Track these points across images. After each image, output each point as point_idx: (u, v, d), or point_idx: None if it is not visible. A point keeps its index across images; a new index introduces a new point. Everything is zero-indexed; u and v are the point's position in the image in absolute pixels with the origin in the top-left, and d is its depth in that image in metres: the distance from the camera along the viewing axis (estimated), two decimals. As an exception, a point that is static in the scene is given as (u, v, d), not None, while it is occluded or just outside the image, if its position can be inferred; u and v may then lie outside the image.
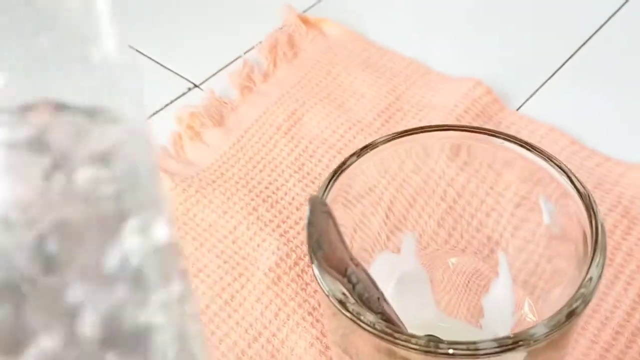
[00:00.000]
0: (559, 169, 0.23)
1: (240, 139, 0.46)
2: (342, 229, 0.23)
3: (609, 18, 0.54)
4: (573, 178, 0.22)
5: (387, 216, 0.27)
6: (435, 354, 0.19)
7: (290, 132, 0.46)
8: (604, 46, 0.52)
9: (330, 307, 0.20)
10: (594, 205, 0.22)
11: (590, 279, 0.20)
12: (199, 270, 0.39)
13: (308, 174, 0.43)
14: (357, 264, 0.21)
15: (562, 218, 0.23)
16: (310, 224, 0.19)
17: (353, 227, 0.26)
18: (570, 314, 0.19)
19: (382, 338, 0.19)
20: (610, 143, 0.45)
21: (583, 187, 0.22)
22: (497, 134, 0.24)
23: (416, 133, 0.25)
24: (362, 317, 0.20)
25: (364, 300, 0.21)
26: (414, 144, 0.25)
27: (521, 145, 0.23)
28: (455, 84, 0.48)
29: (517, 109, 0.48)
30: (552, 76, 0.50)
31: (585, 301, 0.20)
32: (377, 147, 0.24)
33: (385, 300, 0.21)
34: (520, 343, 0.19)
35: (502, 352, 0.19)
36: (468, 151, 0.25)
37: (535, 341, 0.19)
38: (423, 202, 0.27)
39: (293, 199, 0.42)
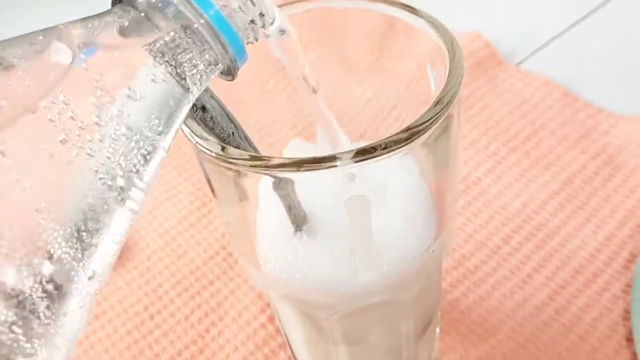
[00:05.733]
0: (428, 21, 0.22)
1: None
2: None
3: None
4: (438, 25, 0.22)
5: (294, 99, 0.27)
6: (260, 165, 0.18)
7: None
8: (618, 8, 0.50)
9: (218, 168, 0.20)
10: (454, 43, 0.21)
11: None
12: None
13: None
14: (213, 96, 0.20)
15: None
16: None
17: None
18: (409, 128, 0.18)
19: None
20: (607, 99, 0.43)
21: (447, 33, 0.21)
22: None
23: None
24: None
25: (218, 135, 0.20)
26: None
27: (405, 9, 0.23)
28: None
29: (517, 65, 0.47)
30: (556, 37, 0.49)
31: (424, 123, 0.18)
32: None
33: (243, 135, 0.21)
34: (370, 153, 0.18)
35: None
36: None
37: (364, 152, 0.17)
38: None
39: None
